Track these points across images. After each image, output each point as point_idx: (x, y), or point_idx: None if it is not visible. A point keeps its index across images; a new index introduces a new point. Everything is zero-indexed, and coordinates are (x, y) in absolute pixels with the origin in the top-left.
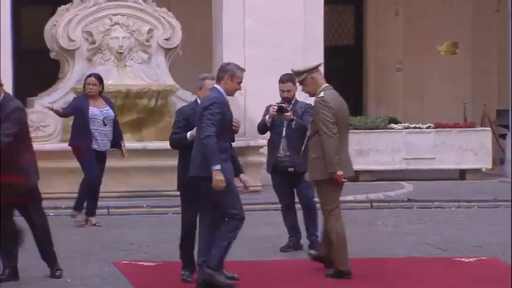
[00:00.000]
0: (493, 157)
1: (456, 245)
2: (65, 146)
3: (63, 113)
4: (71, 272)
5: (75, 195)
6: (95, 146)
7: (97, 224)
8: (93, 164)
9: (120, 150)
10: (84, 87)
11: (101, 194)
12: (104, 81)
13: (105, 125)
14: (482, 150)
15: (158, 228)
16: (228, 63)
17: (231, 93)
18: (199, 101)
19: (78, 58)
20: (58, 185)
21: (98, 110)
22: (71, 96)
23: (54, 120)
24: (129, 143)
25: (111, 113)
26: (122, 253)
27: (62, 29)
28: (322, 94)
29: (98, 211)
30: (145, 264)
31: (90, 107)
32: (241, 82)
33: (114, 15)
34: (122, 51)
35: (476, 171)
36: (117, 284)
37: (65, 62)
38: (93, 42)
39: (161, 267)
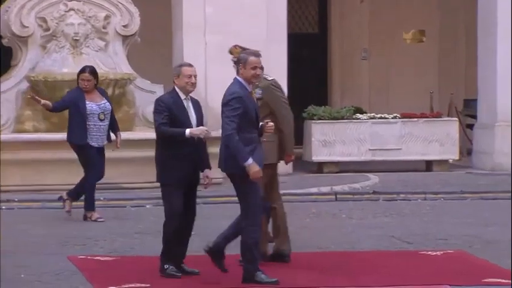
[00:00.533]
0: (460, 148)
1: (422, 238)
2: (18, 136)
3: (53, 108)
4: (25, 268)
5: (22, 187)
6: (92, 142)
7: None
8: (96, 161)
9: (115, 140)
10: (77, 81)
11: (54, 187)
12: (59, 70)
13: (101, 119)
14: (449, 141)
15: (115, 222)
16: (242, 53)
17: (249, 80)
18: (177, 89)
19: (31, 45)
20: (10, 178)
21: (95, 105)
22: (24, 85)
23: (6, 110)
24: None
25: (108, 106)
26: (78, 247)
27: (15, 14)
28: (270, 78)
29: (52, 204)
30: (101, 259)
31: (87, 102)
32: (256, 66)
33: (70, 0)
34: (77, 38)
35: (443, 163)
36: (72, 279)
37: (18, 49)
38: (47, 29)
39: (118, 262)
